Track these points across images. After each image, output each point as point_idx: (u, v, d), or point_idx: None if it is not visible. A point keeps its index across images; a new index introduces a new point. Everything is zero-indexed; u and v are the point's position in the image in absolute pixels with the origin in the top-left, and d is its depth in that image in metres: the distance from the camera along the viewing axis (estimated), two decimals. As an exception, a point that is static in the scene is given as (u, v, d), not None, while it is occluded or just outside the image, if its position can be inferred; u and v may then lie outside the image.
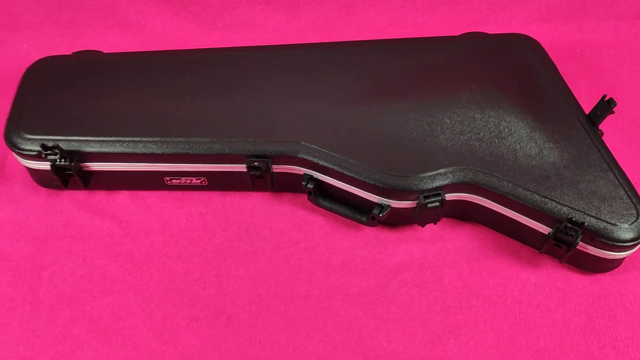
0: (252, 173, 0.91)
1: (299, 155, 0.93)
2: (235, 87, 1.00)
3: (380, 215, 0.92)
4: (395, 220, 0.96)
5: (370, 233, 0.97)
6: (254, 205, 1.01)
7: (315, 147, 0.93)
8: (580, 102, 1.00)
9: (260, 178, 0.96)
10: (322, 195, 0.97)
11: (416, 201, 0.91)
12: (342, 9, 1.23)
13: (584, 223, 0.83)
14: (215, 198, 1.02)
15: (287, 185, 1.00)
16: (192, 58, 1.05)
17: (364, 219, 0.95)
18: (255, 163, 0.91)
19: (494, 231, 0.96)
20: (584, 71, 1.19)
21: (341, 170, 0.91)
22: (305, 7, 1.23)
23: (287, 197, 1.02)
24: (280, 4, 1.23)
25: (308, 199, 0.98)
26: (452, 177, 0.90)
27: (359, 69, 1.03)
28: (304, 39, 1.22)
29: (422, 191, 0.89)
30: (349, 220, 0.97)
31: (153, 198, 1.02)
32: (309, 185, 0.94)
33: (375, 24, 1.23)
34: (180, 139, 0.94)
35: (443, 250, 0.95)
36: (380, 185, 0.90)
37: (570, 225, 0.84)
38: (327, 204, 0.97)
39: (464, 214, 0.96)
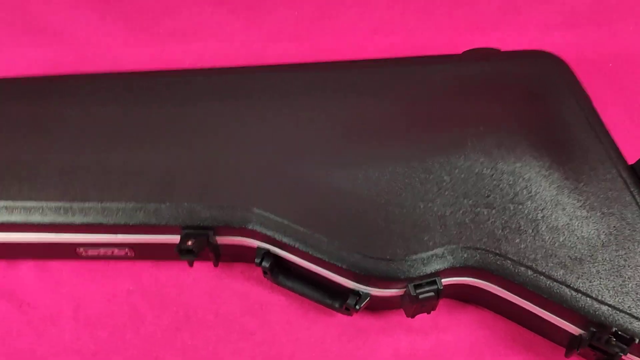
0: (184, 257, 0.68)
1: (250, 227, 0.69)
2: (167, 129, 0.76)
3: (357, 306, 0.69)
4: (378, 306, 0.74)
5: (345, 320, 0.75)
6: (197, 279, 0.79)
7: (271, 215, 0.69)
8: (615, 139, 0.76)
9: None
10: (283, 272, 0.74)
11: (404, 289, 0.68)
12: (315, 11, 0.98)
13: (634, 340, 0.60)
14: (147, 270, 0.79)
15: (237, 256, 0.77)
16: (111, 84, 0.81)
17: (337, 305, 0.72)
18: (189, 243, 0.67)
19: (504, 318, 0.74)
20: (619, 93, 0.94)
21: (305, 249, 0.68)
22: (269, 9, 0.97)
23: (239, 268, 0.80)
24: (237, 5, 0.97)
25: (265, 276, 0.75)
26: (451, 260, 0.67)
27: (332, 103, 0.79)
28: (266, 50, 0.96)
29: (411, 279, 0.66)
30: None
31: (65, 270, 0.79)
32: (263, 264, 0.71)
33: (356, 31, 0.98)
34: (91, 204, 0.71)
35: (439, 343, 0.73)
36: (357, 272, 0.67)
37: (613, 338, 0.61)
38: (289, 283, 0.74)
39: (467, 297, 0.74)
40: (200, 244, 0.68)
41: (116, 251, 0.76)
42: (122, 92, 0.79)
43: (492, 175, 0.71)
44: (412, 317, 0.71)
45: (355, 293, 0.70)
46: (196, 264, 0.79)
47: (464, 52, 0.86)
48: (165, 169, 0.72)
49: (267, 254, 0.72)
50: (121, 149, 0.74)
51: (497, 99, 0.78)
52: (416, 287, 0.67)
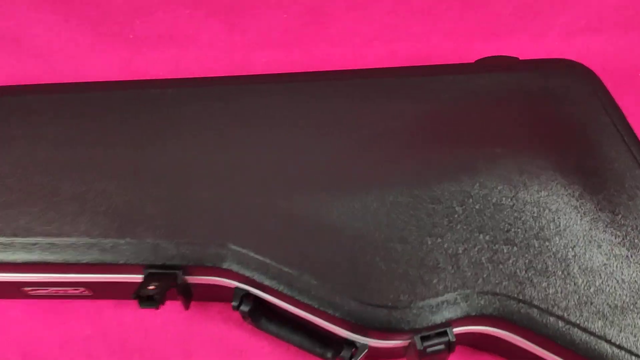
0: (144, 306, 0.56)
1: (225, 266, 0.58)
2: (129, 152, 0.65)
3: (353, 359, 0.58)
4: (378, 357, 0.63)
5: (338, 373, 0.63)
6: (166, 322, 0.68)
7: (250, 253, 0.59)
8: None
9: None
10: (266, 315, 0.63)
11: (408, 341, 0.57)
12: (306, 15, 0.87)
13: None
14: (109, 310, 0.68)
15: (213, 297, 0.66)
16: (65, 99, 0.70)
17: (329, 356, 0.61)
18: (150, 288, 0.56)
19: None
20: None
21: (291, 293, 0.57)
22: (254, 12, 0.86)
23: (215, 308, 0.68)
24: (218, 7, 0.87)
25: (245, 320, 0.64)
26: (466, 307, 0.56)
27: (323, 121, 0.67)
28: (250, 58, 0.85)
29: (418, 330, 0.55)
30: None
31: (15, 309, 0.68)
32: (242, 308, 0.60)
33: (353, 37, 0.87)
34: (37, 239, 0.59)
35: (449, 401, 0.62)
36: (352, 321, 0.56)
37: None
38: (273, 328, 0.63)
39: (483, 346, 0.63)
40: (164, 287, 0.56)
41: (70, 291, 0.64)
42: (78, 108, 0.69)
43: (513, 205, 0.60)
44: (418, 372, 0.60)
45: (351, 343, 0.59)
46: (168, 304, 0.68)
47: (477, 61, 0.75)
48: (125, 199, 0.61)
49: (247, 296, 0.61)
50: (73, 176, 0.63)
51: (516, 116, 0.67)
52: (423, 339, 0.56)
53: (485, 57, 0.75)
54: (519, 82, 0.70)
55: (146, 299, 0.55)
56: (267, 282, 0.58)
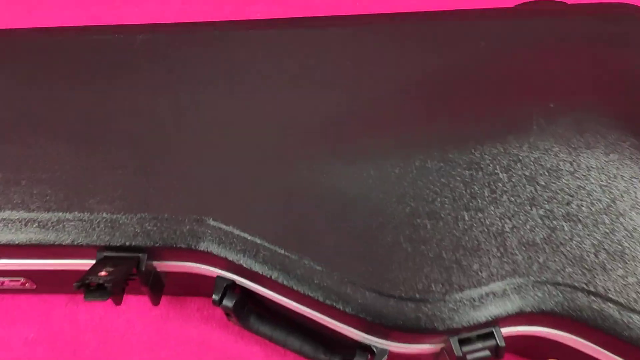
0: (90, 298, 0.42)
1: (202, 248, 0.45)
2: (85, 108, 0.52)
3: (368, 369, 0.45)
4: (399, 365, 0.49)
5: (348, 387, 0.50)
6: (132, 322, 0.54)
7: (235, 231, 0.45)
8: None
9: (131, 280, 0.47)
10: (257, 313, 0.49)
11: (441, 345, 0.43)
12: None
13: None
14: (59, 308, 0.54)
15: (189, 289, 0.52)
16: (11, 43, 0.56)
17: (336, 365, 0.48)
18: (102, 273, 0.42)
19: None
20: None
21: (288, 283, 0.43)
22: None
23: (194, 304, 0.55)
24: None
25: (229, 319, 0.50)
26: (518, 301, 0.43)
27: (330, 69, 0.54)
28: (243, 12, 0.72)
29: (455, 330, 0.42)
30: (308, 359, 0.50)
31: (-57, 308, 0.54)
32: (225, 303, 0.47)
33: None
34: (-41, 212, 0.46)
35: None
36: (368, 319, 0.42)
37: None
38: (265, 329, 0.49)
39: (537, 353, 0.49)
40: (121, 274, 0.43)
41: (7, 283, 0.51)
42: (24, 55, 0.55)
43: (574, 172, 0.47)
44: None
45: (366, 348, 0.46)
46: (133, 300, 0.55)
47: (517, 6, 0.61)
48: (75, 164, 0.48)
49: (232, 287, 0.48)
50: (11, 135, 0.49)
51: (572, 66, 0.54)
52: (463, 342, 0.42)
53: (527, 2, 0.61)
54: (572, 28, 0.57)
55: (95, 288, 0.41)
56: (256, 268, 0.44)
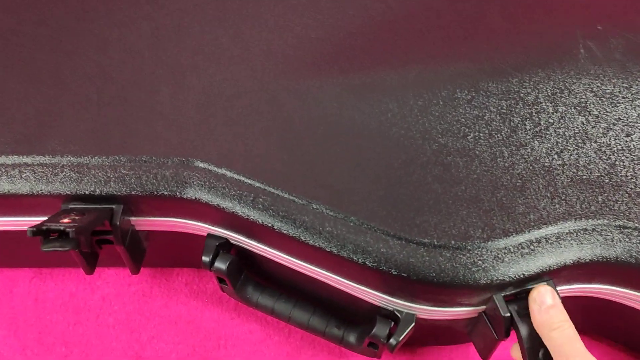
0: (48, 247, 0.34)
1: (188, 195, 0.37)
2: (51, 36, 0.44)
3: (392, 341, 0.37)
4: (426, 339, 0.41)
5: (365, 366, 0.42)
6: (109, 298, 0.46)
7: (228, 173, 0.37)
8: None
9: (105, 244, 0.39)
10: (255, 280, 0.41)
11: (480, 308, 0.35)
12: None
13: None
14: (22, 283, 0.46)
15: (174, 256, 0.44)
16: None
17: (352, 340, 0.39)
18: (65, 220, 0.34)
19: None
20: None
21: (293, 233, 0.36)
22: None
23: (182, 277, 0.47)
24: None
25: (223, 290, 0.42)
26: (575, 249, 0.35)
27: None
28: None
29: (499, 284, 0.33)
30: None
31: None
32: (217, 265, 0.39)
33: None
34: None
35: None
36: (393, 272, 0.34)
37: None
38: (265, 301, 0.41)
39: (597, 324, 0.41)
40: (88, 224, 0.34)
41: (-43, 248, 0.42)
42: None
43: (633, 100, 0.39)
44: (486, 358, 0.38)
45: (388, 315, 0.37)
46: (110, 273, 0.46)
47: None
48: (35, 100, 0.40)
49: (225, 247, 0.40)
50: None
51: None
52: (510, 300, 0.34)
53: None
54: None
55: (55, 238, 0.33)
56: (255, 217, 0.36)
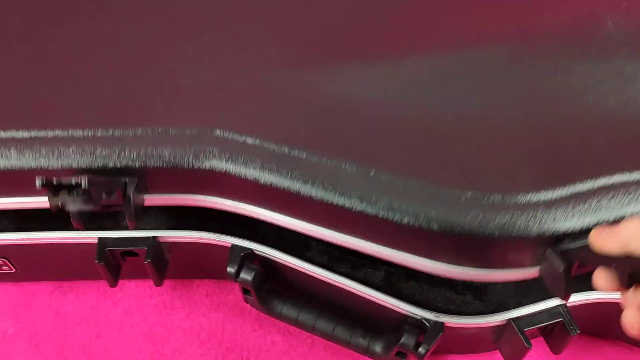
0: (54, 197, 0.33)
1: (207, 164, 0.36)
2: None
3: (421, 350, 0.37)
4: (454, 346, 0.41)
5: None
6: (130, 309, 0.46)
7: (248, 139, 0.37)
8: None
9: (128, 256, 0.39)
10: (280, 292, 0.41)
11: (534, 269, 0.34)
12: None
13: None
14: (43, 297, 0.46)
15: (195, 266, 0.44)
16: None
17: (378, 350, 0.39)
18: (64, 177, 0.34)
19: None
20: None
21: (328, 197, 0.35)
22: None
23: (202, 289, 0.47)
24: None
25: (247, 301, 0.42)
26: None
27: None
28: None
29: (556, 237, 0.32)
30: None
31: None
32: (243, 276, 0.39)
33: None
34: None
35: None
36: (427, 227, 0.33)
37: None
38: (289, 312, 0.41)
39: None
40: (102, 187, 0.34)
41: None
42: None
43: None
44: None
45: (415, 323, 0.37)
46: (131, 285, 0.46)
47: None
48: (40, 71, 0.39)
49: (250, 257, 0.39)
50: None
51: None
52: (567, 255, 0.32)
53: None
54: None
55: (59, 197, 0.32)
56: (285, 183, 0.35)
